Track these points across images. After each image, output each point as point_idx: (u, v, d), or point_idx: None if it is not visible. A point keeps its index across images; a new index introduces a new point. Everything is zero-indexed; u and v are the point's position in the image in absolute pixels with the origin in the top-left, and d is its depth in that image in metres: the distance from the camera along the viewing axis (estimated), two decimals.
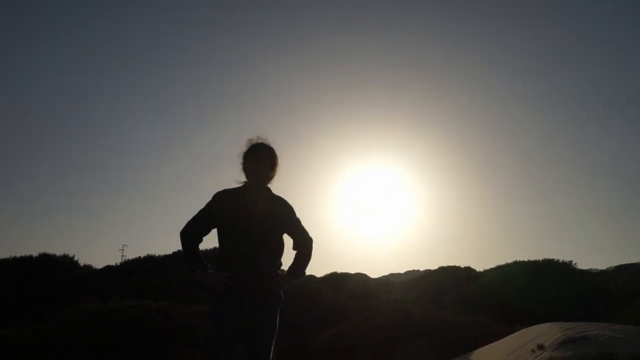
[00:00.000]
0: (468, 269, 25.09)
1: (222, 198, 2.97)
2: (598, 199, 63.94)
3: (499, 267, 23.07)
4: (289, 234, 3.09)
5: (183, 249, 2.98)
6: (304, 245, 3.12)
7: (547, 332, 6.36)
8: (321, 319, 13.87)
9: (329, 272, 21.14)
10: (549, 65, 70.22)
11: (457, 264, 25.83)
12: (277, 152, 3.03)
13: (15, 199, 47.53)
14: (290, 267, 3.08)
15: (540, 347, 5.70)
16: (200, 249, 3.03)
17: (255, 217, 2.92)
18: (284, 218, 3.03)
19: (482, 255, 61.99)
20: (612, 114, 68.70)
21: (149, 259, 21.69)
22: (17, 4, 56.00)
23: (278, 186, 3.07)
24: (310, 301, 14.46)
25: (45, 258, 20.57)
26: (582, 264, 23.91)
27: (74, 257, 21.72)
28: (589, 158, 67.57)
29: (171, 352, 8.52)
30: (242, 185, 2.99)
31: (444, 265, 26.04)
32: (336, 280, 19.95)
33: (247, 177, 2.97)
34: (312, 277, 18.61)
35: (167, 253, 21.45)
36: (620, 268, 27.43)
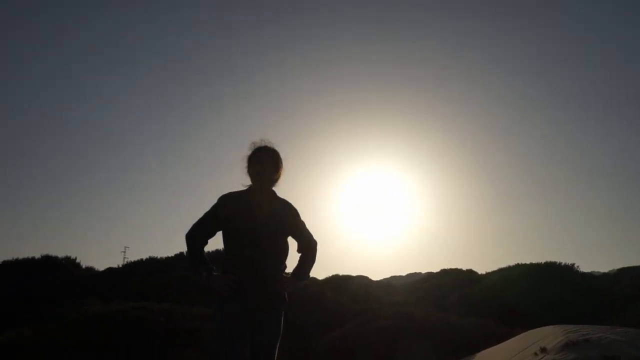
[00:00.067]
0: (470, 272, 25.08)
1: (227, 201, 2.99)
2: (600, 201, 63.91)
3: (501, 270, 23.06)
4: (293, 237, 3.10)
5: (188, 251, 3.01)
6: (308, 248, 3.13)
7: (550, 335, 6.35)
8: (323, 321, 13.87)
9: (330, 274, 21.18)
10: (548, 65, 70.32)
11: (459, 267, 25.85)
12: (281, 155, 3.05)
13: (17, 200, 47.63)
14: (295, 270, 3.11)
15: (543, 350, 5.70)
16: (205, 250, 3.05)
17: (259, 220, 2.93)
18: (288, 221, 3.05)
19: (484, 257, 61.95)
20: (613, 115, 68.72)
21: (151, 261, 21.74)
22: (17, 3, 56.18)
23: (281, 189, 3.09)
24: (313, 304, 14.47)
25: (47, 260, 20.62)
26: (584, 267, 23.92)
27: (76, 259, 21.79)
28: (591, 159, 67.58)
29: (173, 354, 8.53)
30: (247, 189, 3.01)
31: (445, 267, 26.05)
32: (338, 282, 19.96)
33: (251, 180, 2.99)
34: (314, 279, 18.63)
35: (170, 255, 21.51)
36: (622, 271, 27.43)
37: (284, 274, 3.04)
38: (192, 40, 69.43)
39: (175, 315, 9.48)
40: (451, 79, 72.16)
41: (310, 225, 3.17)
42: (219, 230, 3.00)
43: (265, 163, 2.98)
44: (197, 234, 3.00)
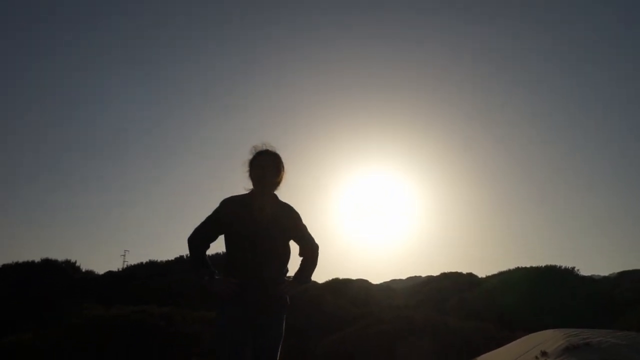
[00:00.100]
0: (470, 275, 25.07)
1: (229, 205, 2.99)
2: (600, 204, 63.89)
3: (501, 274, 23.06)
4: (295, 241, 3.11)
5: (190, 254, 3.01)
6: (310, 252, 3.14)
7: (550, 339, 6.35)
8: (323, 325, 13.86)
9: (330, 278, 21.18)
10: (549, 70, 70.38)
11: (459, 270, 25.85)
12: (283, 159, 3.05)
13: (16, 204, 47.60)
14: (296, 274, 3.12)
15: (544, 353, 5.70)
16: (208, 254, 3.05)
17: (261, 224, 2.94)
18: (290, 224, 3.05)
19: (484, 261, 61.91)
20: (614, 119, 68.75)
21: (151, 264, 21.72)
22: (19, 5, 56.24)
23: (282, 192, 3.09)
24: (313, 307, 14.45)
25: (47, 263, 20.60)
26: (585, 270, 23.89)
27: (75, 262, 21.76)
28: (591, 163, 67.57)
29: (174, 358, 8.52)
30: (249, 192, 3.02)
31: (445, 271, 26.06)
32: (338, 286, 19.95)
33: (253, 184, 3.00)
34: (314, 283, 18.61)
35: (170, 259, 21.49)
36: (623, 274, 27.41)
37: (285, 278, 3.04)
38: (192, 42, 69.46)
39: (175, 319, 9.48)
40: (452, 82, 72.24)
41: (310, 229, 3.17)
42: (221, 234, 3.00)
43: (266, 167, 2.98)
44: (199, 238, 3.01)
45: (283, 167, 3.04)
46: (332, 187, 64.00)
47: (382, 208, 63.19)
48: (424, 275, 33.32)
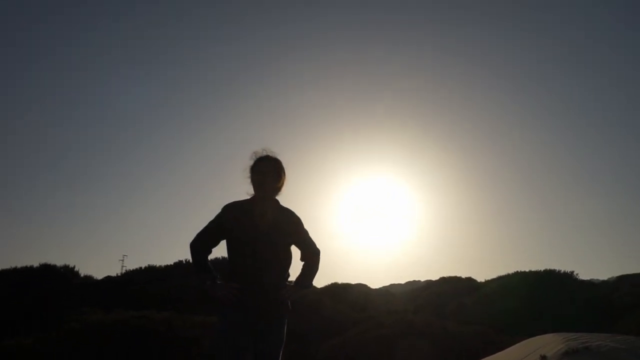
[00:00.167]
0: (469, 280, 25.10)
1: (231, 210, 3.01)
2: (600, 208, 63.91)
3: (500, 278, 23.10)
4: (296, 246, 3.12)
5: (192, 260, 3.03)
6: (311, 257, 3.15)
7: (550, 343, 6.36)
8: (323, 329, 13.86)
9: (329, 282, 21.17)
10: (549, 73, 70.54)
11: (458, 275, 25.87)
12: (284, 164, 3.07)
13: (15, 209, 47.54)
14: (298, 279, 3.12)
15: (543, 357, 5.71)
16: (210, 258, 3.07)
17: (262, 229, 2.95)
18: (291, 229, 3.07)
19: (483, 265, 61.88)
20: (613, 122, 68.88)
21: (150, 269, 21.72)
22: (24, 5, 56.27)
23: (282, 196, 3.11)
24: (312, 312, 14.45)
25: (46, 268, 20.62)
26: (584, 275, 23.91)
27: (74, 267, 21.75)
28: (591, 167, 67.66)
29: None
30: (251, 198, 3.04)
31: (445, 275, 26.08)
32: (337, 290, 19.96)
33: (254, 189, 3.02)
34: (313, 287, 18.59)
35: (169, 264, 21.48)
36: (621, 278, 27.45)
37: (287, 283, 3.05)
38: (192, 43, 69.54)
39: (175, 323, 9.47)
40: (452, 87, 72.41)
41: (310, 233, 3.19)
42: (223, 239, 3.02)
43: (267, 172, 3.00)
44: (201, 243, 3.03)
45: (284, 172, 3.05)
46: (330, 191, 64.02)
47: (381, 212, 63.22)
48: (423, 279, 33.34)
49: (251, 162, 3.06)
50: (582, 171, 68.63)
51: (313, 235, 3.19)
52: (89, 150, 59.82)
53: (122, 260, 26.81)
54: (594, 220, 63.60)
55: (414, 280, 37.94)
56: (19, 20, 56.52)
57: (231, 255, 3.00)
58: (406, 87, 73.77)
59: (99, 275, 22.14)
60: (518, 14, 68.43)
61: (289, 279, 3.09)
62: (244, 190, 3.05)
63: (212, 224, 3.03)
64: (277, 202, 3.08)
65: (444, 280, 25.39)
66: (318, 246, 3.19)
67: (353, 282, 22.58)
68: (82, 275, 21.75)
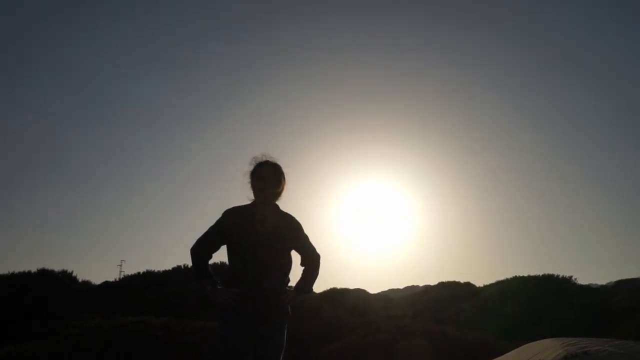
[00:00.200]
0: (468, 285, 25.13)
1: (231, 215, 3.04)
2: (598, 213, 64.01)
3: (498, 283, 23.10)
4: (296, 250, 3.14)
5: (193, 265, 3.05)
6: (311, 262, 3.16)
7: (549, 348, 6.37)
8: (321, 334, 13.85)
9: (328, 287, 21.15)
10: (548, 75, 70.73)
11: (457, 280, 25.90)
12: (284, 169, 3.09)
13: (12, 214, 47.43)
14: (298, 283, 3.13)
15: None
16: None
17: (262, 234, 2.97)
18: (291, 234, 3.09)
19: (481, 270, 61.88)
20: (612, 129, 69.08)
21: (148, 274, 21.67)
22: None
23: (281, 201, 3.13)
24: (311, 317, 14.43)
25: (43, 273, 20.53)
26: (582, 279, 23.92)
27: (72, 272, 21.69)
28: (589, 172, 67.81)
29: None
30: (251, 203, 3.06)
31: (443, 280, 26.11)
32: (336, 296, 19.93)
33: (254, 194, 3.04)
34: (312, 292, 18.56)
35: (167, 269, 21.43)
36: (620, 283, 27.49)
37: (287, 288, 3.07)
38: (193, 45, 69.59)
39: (174, 329, 9.46)
40: (451, 93, 72.58)
41: (310, 238, 3.21)
42: (224, 244, 3.04)
43: (266, 178, 3.02)
44: (202, 249, 3.05)
45: (284, 177, 3.07)
46: (328, 195, 64.04)
47: (380, 217, 63.21)
48: (421, 284, 33.35)
49: (251, 168, 3.09)
50: (581, 175, 68.82)
51: (312, 240, 3.21)
52: (87, 154, 59.78)
53: (120, 266, 26.78)
54: (593, 224, 63.70)
55: (413, 285, 37.98)
56: (18, 20, 56.53)
57: (232, 260, 3.02)
58: (405, 90, 73.95)
59: (97, 280, 22.10)
60: (517, 15, 68.68)
61: (289, 284, 3.11)
62: (243, 194, 3.08)
63: (212, 229, 3.05)
64: (277, 207, 3.10)
65: (442, 285, 25.41)
66: (318, 251, 3.21)
67: (352, 287, 22.57)
68: (80, 280, 21.69)
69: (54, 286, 19.34)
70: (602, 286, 29.01)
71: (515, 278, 22.34)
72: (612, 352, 5.41)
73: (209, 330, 8.98)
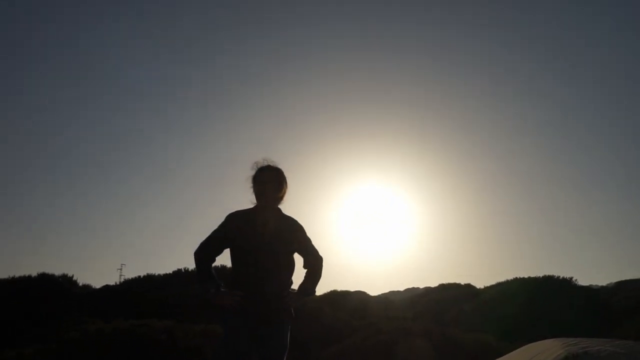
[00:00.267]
0: (468, 286, 25.13)
1: (234, 219, 3.07)
2: (599, 214, 64.01)
3: (499, 284, 23.12)
4: (299, 253, 3.17)
5: (197, 268, 3.08)
6: (314, 264, 3.19)
7: (550, 349, 6.39)
8: (322, 337, 13.85)
9: (328, 290, 21.14)
10: (546, 78, 70.82)
11: (457, 281, 25.90)
12: (285, 173, 3.12)
13: (12, 218, 47.42)
14: (301, 286, 3.16)
15: None
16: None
17: (264, 238, 3.00)
18: (293, 237, 3.12)
19: (482, 272, 61.85)
20: (611, 130, 69.15)
21: (149, 278, 21.69)
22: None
23: (284, 204, 3.15)
24: (311, 319, 14.44)
25: (44, 278, 20.53)
26: (583, 280, 23.93)
27: (72, 276, 21.69)
28: (589, 173, 67.84)
29: None
30: (254, 207, 3.09)
31: (444, 282, 26.10)
32: (336, 298, 19.94)
33: (256, 199, 3.07)
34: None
35: (168, 272, 21.44)
36: (620, 284, 27.50)
37: (290, 290, 3.09)
38: (192, 49, 69.60)
39: (176, 332, 9.46)
40: (452, 96, 72.64)
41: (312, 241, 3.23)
42: (226, 248, 3.07)
43: (268, 182, 3.06)
44: (205, 252, 3.07)
45: (285, 181, 3.11)
46: (328, 198, 63.96)
47: (380, 219, 63.19)
48: (422, 286, 33.32)
49: (253, 172, 3.12)
50: (581, 178, 68.83)
51: (313, 243, 3.24)
52: (88, 157, 59.72)
53: (120, 270, 26.78)
54: (593, 226, 63.71)
55: (413, 287, 37.95)
56: (18, 19, 56.53)
57: (234, 263, 3.06)
58: (405, 94, 74.02)
59: (97, 284, 22.11)
60: (515, 17, 68.76)
61: (292, 287, 3.13)
62: (243, 197, 3.12)
63: (215, 233, 3.08)
64: (280, 210, 3.13)
65: (443, 287, 25.42)
66: (320, 254, 3.24)
67: (352, 289, 22.55)
68: (80, 284, 21.69)
69: (55, 290, 19.34)
70: (602, 287, 29.04)
71: (516, 279, 22.36)
72: (612, 352, 5.43)
73: (210, 333, 9.00)
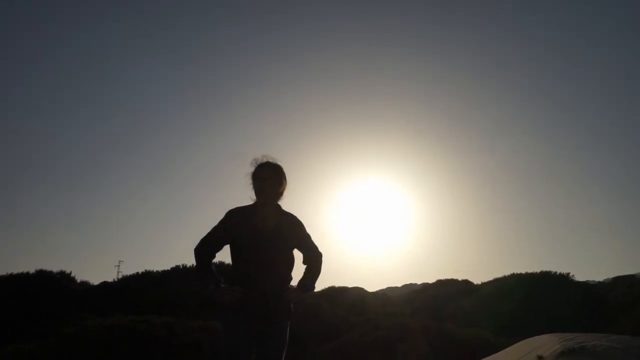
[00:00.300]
0: (466, 282, 25.18)
1: (233, 216, 3.08)
2: (595, 210, 64.24)
3: (496, 280, 23.17)
4: (298, 249, 3.18)
5: (196, 264, 3.09)
6: (313, 260, 3.21)
7: (547, 343, 6.43)
8: (320, 333, 13.88)
9: (326, 286, 21.17)
10: (543, 74, 70.86)
11: (455, 277, 25.96)
12: (285, 169, 3.13)
13: (9, 215, 47.32)
14: (300, 282, 3.18)
15: (540, 358, 5.77)
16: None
17: (264, 235, 3.02)
18: (293, 233, 3.13)
19: (479, 268, 61.99)
20: (610, 125, 69.29)
21: (147, 274, 21.66)
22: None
23: (283, 200, 3.17)
24: (309, 315, 14.47)
25: (41, 274, 20.48)
26: (579, 276, 24.05)
27: (70, 273, 21.65)
28: (586, 170, 68.03)
29: None
30: (254, 203, 3.10)
31: (441, 278, 26.16)
32: (334, 294, 19.96)
33: (255, 195, 3.09)
34: None
35: (166, 269, 21.41)
36: (617, 279, 27.66)
37: (289, 286, 3.11)
38: (189, 49, 69.41)
39: (176, 328, 9.47)
40: (450, 93, 72.62)
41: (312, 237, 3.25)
42: (226, 244, 3.09)
43: (267, 179, 3.07)
44: (205, 248, 3.09)
45: (285, 178, 3.12)
46: (326, 194, 64.04)
47: (378, 216, 63.25)
48: (419, 282, 33.47)
49: (252, 169, 3.13)
50: (578, 174, 68.99)
51: (312, 238, 3.25)
52: (85, 155, 59.61)
53: (118, 266, 26.73)
54: (590, 222, 63.92)
55: (411, 283, 38.08)
56: (18, 19, 56.29)
57: (234, 260, 3.07)
58: (402, 90, 73.98)
59: (95, 280, 22.08)
60: (511, 15, 68.76)
61: (291, 282, 3.15)
62: (241, 193, 3.13)
63: (215, 229, 3.10)
64: (279, 207, 3.14)
65: (440, 283, 25.48)
66: (320, 250, 3.25)
67: (350, 285, 22.58)
68: (78, 281, 21.65)
69: (52, 287, 19.30)
70: (599, 283, 29.20)
71: (513, 275, 22.43)
72: (608, 347, 5.47)
73: (209, 329, 9.01)
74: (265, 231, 3.02)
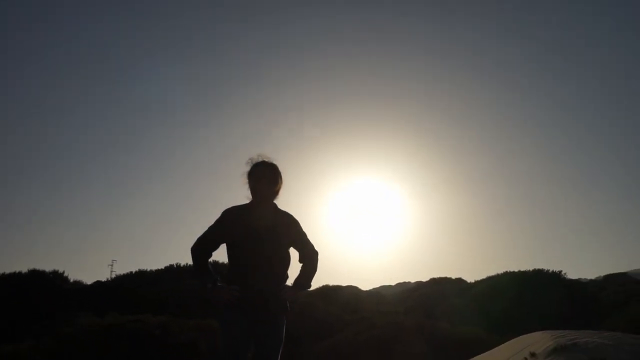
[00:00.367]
0: (459, 280, 25.29)
1: (230, 215, 3.10)
2: (587, 210, 64.66)
3: (489, 278, 23.27)
4: (294, 247, 3.21)
5: (193, 263, 3.11)
6: (309, 258, 3.24)
7: (539, 341, 6.49)
8: (314, 331, 13.91)
9: (320, 285, 21.19)
10: (541, 75, 71.12)
11: (448, 276, 26.05)
12: (280, 168, 3.15)
13: (2, 215, 47.03)
14: (296, 280, 3.21)
15: (533, 355, 5.83)
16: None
17: (259, 233, 3.04)
18: (289, 232, 3.16)
19: (472, 266, 62.29)
20: (603, 127, 69.73)
21: (141, 273, 21.61)
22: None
23: (279, 199, 3.19)
24: (304, 314, 14.49)
25: (34, 274, 20.39)
26: (572, 274, 24.19)
27: (63, 272, 21.56)
28: (579, 170, 68.45)
29: None
30: (249, 202, 3.12)
31: (435, 276, 26.24)
32: (328, 292, 19.99)
33: (251, 194, 3.11)
34: None
35: (160, 268, 21.38)
36: (608, 277, 27.85)
37: (285, 284, 3.13)
38: (191, 44, 69.11)
39: (171, 327, 9.47)
40: (450, 93, 72.81)
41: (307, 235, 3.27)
42: (223, 243, 3.11)
43: (262, 178, 3.09)
44: (202, 248, 3.11)
45: (280, 177, 3.14)
46: (321, 193, 64.06)
47: (372, 215, 63.37)
48: (413, 281, 33.58)
49: (248, 168, 3.15)
50: (571, 174, 69.43)
51: (308, 237, 3.27)
52: (78, 154, 59.31)
53: (112, 265, 26.66)
54: (582, 221, 64.38)
55: (404, 282, 38.19)
56: (18, 19, 55.89)
57: (230, 259, 3.09)
58: (398, 89, 74.11)
59: (88, 280, 22.01)
60: (515, 17, 68.95)
61: (288, 281, 3.17)
62: (237, 193, 3.15)
63: (212, 228, 3.11)
64: (275, 205, 3.16)
65: (434, 282, 25.57)
66: (316, 248, 3.27)
67: (344, 284, 22.61)
68: (71, 280, 21.57)
69: (45, 286, 19.22)
70: (591, 280, 29.40)
71: (506, 273, 22.54)
72: (600, 343, 5.53)
73: (205, 328, 9.01)
74: (261, 230, 3.04)
